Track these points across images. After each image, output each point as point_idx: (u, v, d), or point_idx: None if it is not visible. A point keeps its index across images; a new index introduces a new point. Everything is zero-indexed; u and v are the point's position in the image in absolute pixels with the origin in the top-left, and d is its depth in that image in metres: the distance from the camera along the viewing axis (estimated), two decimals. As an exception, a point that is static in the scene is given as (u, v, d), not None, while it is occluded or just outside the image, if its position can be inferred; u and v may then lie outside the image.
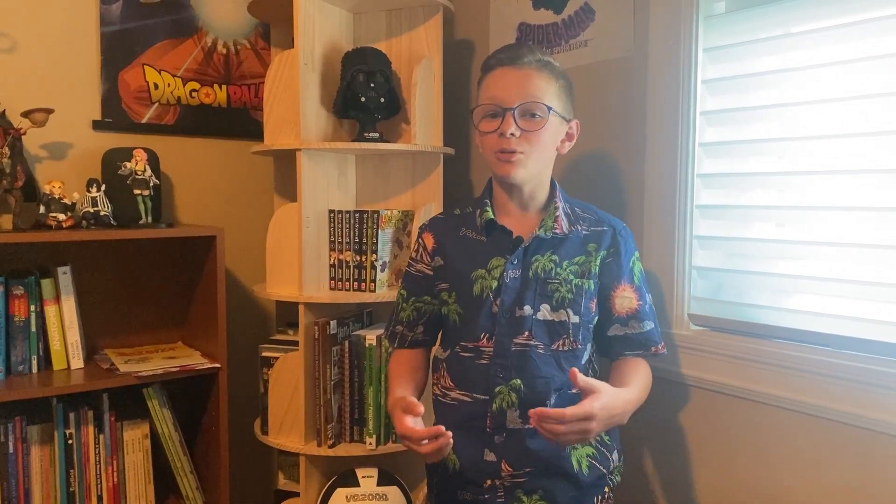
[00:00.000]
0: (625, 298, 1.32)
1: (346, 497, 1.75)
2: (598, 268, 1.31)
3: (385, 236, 1.85)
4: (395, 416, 1.25)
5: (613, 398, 1.17)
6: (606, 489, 1.34)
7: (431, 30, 1.95)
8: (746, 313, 1.45)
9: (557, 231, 1.30)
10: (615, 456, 1.35)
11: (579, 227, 1.33)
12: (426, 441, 1.17)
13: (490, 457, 1.28)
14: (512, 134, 1.25)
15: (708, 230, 1.52)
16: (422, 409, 1.19)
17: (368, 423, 1.82)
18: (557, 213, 1.31)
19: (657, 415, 1.56)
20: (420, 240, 1.46)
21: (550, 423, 1.10)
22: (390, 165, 2.03)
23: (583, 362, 1.31)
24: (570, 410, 1.10)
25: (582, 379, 1.13)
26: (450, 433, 1.15)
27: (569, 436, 1.12)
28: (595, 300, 1.31)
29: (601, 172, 1.70)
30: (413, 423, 1.20)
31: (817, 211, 1.33)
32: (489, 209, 1.34)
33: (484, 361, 1.29)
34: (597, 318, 1.32)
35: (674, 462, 1.56)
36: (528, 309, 1.28)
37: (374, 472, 1.80)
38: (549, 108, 1.27)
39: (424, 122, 1.90)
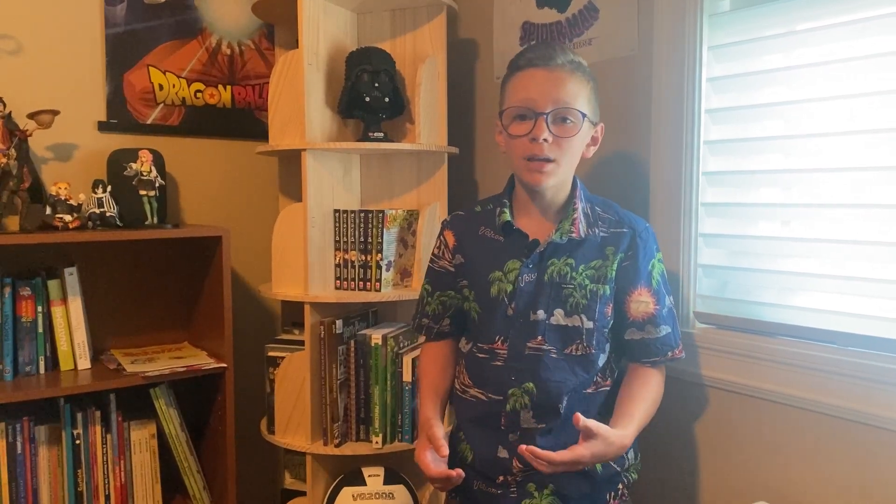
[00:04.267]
0: (640, 303, 1.30)
1: (353, 496, 1.76)
2: (614, 272, 1.29)
3: (390, 236, 1.85)
4: (420, 441, 1.31)
5: (607, 447, 1.17)
6: (620, 486, 1.34)
7: (435, 29, 1.95)
8: (752, 311, 1.45)
9: (574, 235, 1.28)
10: (631, 454, 1.34)
11: (597, 230, 1.31)
12: (437, 480, 1.24)
13: (503, 453, 1.29)
14: (545, 140, 1.23)
15: (713, 228, 1.52)
16: (446, 452, 1.23)
17: (374, 421, 1.83)
18: (575, 216, 1.29)
19: (663, 413, 1.55)
20: (442, 237, 1.46)
21: (538, 461, 1.14)
22: (395, 165, 2.03)
23: (599, 365, 1.30)
24: (557, 456, 1.14)
25: (584, 424, 1.14)
26: (461, 472, 1.21)
27: (556, 471, 1.17)
28: (611, 305, 1.30)
29: (606, 171, 1.70)
30: (431, 458, 1.25)
31: (823, 208, 1.33)
32: (507, 210, 1.33)
33: (498, 363, 1.30)
34: (612, 321, 1.31)
35: (680, 459, 1.56)
36: (541, 313, 1.27)
37: (380, 470, 1.80)
38: (584, 115, 1.25)
39: (429, 122, 1.90)
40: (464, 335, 1.43)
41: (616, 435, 1.19)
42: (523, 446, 1.15)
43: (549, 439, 1.26)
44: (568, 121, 1.24)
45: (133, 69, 1.99)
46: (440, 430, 1.26)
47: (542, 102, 1.23)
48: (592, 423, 1.15)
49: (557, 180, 1.28)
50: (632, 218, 1.34)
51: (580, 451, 1.15)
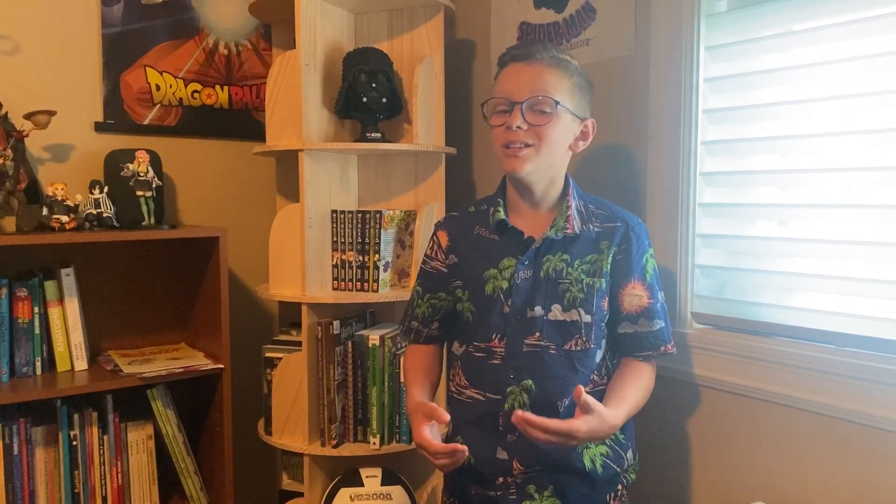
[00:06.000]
0: (634, 296, 1.31)
1: (350, 497, 1.75)
2: (609, 265, 1.30)
3: (387, 236, 1.85)
4: (415, 423, 1.27)
5: (601, 423, 1.18)
6: (620, 487, 1.34)
7: (433, 30, 1.95)
8: (749, 311, 1.45)
9: (569, 231, 1.29)
10: (630, 455, 1.35)
11: (591, 226, 1.32)
12: (441, 455, 1.19)
13: (502, 455, 1.29)
14: (518, 127, 1.25)
15: (711, 228, 1.52)
16: (447, 417, 1.20)
17: (372, 422, 1.82)
18: (569, 213, 1.31)
19: (661, 413, 1.56)
20: (435, 237, 1.46)
21: (532, 428, 1.13)
22: (392, 165, 2.03)
23: (596, 361, 1.30)
24: (554, 423, 1.13)
25: (584, 399, 1.14)
26: (465, 448, 1.18)
27: (547, 443, 1.15)
28: (606, 298, 1.31)
29: (603, 171, 1.70)
30: (431, 434, 1.22)
31: (820, 208, 1.33)
32: (501, 209, 1.34)
33: (496, 362, 1.30)
34: (608, 315, 1.32)
35: (677, 459, 1.56)
36: (538, 310, 1.28)
37: (377, 471, 1.80)
38: (557, 103, 1.26)
39: (426, 122, 1.90)
40: (455, 340, 1.42)
41: (609, 413, 1.20)
42: (518, 412, 1.13)
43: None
44: (545, 110, 1.26)
45: (130, 69, 1.98)
46: (434, 404, 1.24)
47: (518, 92, 1.26)
48: (592, 400, 1.16)
49: (535, 167, 1.29)
50: (624, 213, 1.35)
51: (577, 423, 1.14)
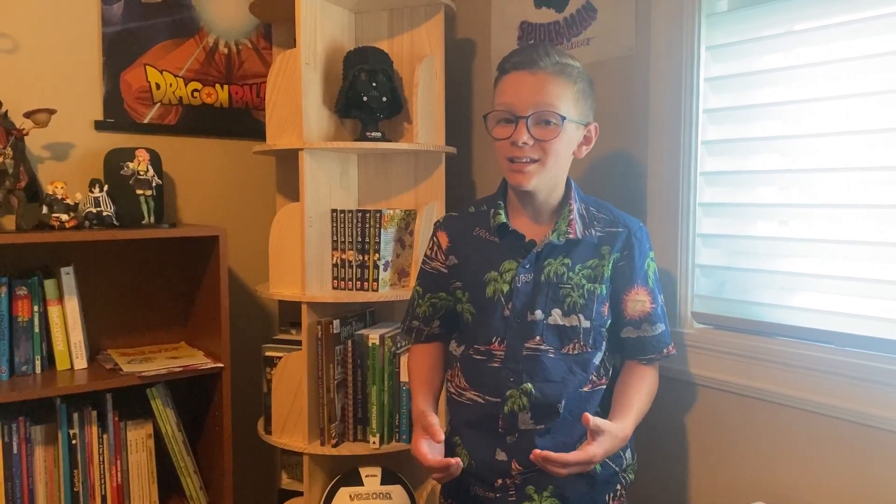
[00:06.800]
0: (637, 302, 1.31)
1: (350, 496, 1.75)
2: (610, 271, 1.30)
3: (387, 236, 1.85)
4: (414, 433, 1.30)
5: (613, 440, 1.20)
6: (619, 486, 1.34)
7: (433, 29, 1.94)
8: (750, 311, 1.45)
9: (571, 235, 1.28)
10: (629, 454, 1.35)
11: (593, 231, 1.31)
12: (435, 470, 1.22)
13: (501, 456, 1.28)
14: (524, 143, 1.23)
15: (711, 228, 1.52)
16: (441, 437, 1.23)
17: (372, 422, 1.82)
18: (571, 217, 1.30)
19: (661, 413, 1.55)
20: (435, 238, 1.46)
21: (552, 465, 1.15)
22: (392, 165, 2.03)
23: (595, 363, 1.30)
24: (572, 456, 1.15)
25: (594, 424, 1.15)
26: (459, 461, 1.20)
27: (570, 472, 1.17)
28: (607, 304, 1.30)
29: (604, 171, 1.70)
30: (428, 449, 1.24)
31: (821, 208, 1.33)
32: (502, 212, 1.33)
33: (496, 364, 1.30)
34: (609, 320, 1.32)
35: (677, 459, 1.56)
36: (539, 314, 1.27)
37: (377, 470, 1.80)
38: (564, 118, 1.24)
39: (426, 122, 1.90)
40: (454, 338, 1.42)
41: (618, 428, 1.22)
42: (537, 451, 1.15)
43: (547, 440, 1.26)
44: (550, 123, 1.24)
45: (130, 68, 1.98)
46: (435, 419, 1.26)
47: (522, 106, 1.24)
48: (600, 421, 1.17)
49: (542, 180, 1.28)
50: (626, 217, 1.35)
51: (593, 449, 1.16)
